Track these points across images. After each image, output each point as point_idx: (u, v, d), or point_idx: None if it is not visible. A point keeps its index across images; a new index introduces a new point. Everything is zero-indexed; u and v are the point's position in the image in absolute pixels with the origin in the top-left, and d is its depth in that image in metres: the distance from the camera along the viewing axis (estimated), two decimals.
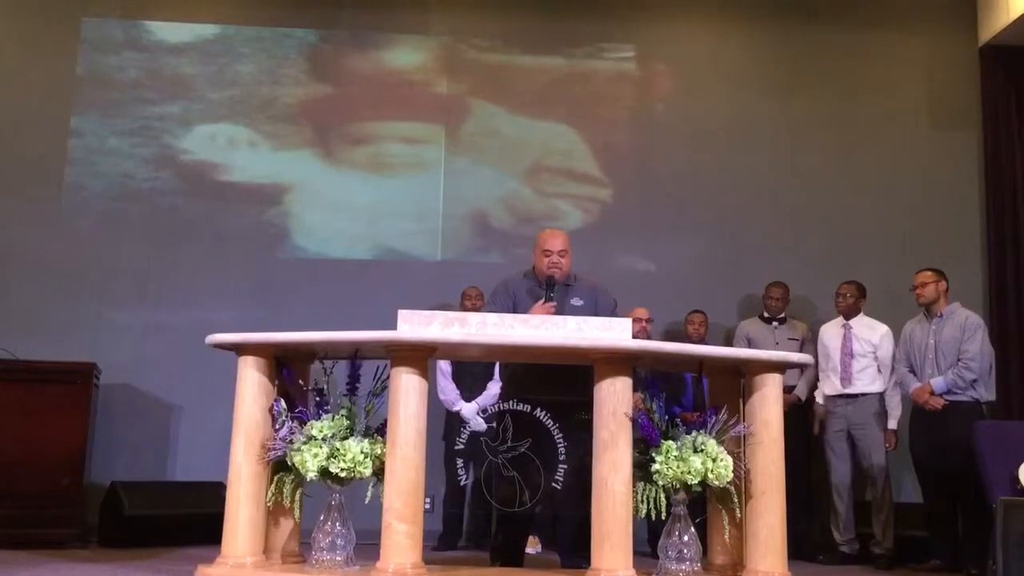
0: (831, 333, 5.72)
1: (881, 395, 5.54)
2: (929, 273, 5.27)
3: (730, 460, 3.57)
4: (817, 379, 5.73)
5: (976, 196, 6.72)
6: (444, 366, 5.55)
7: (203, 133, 6.58)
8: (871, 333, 5.61)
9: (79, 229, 6.32)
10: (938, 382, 5.08)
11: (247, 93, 6.65)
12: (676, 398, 3.72)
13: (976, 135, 6.77)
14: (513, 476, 3.93)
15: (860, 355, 5.57)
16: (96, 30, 6.61)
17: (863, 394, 5.52)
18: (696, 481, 3.52)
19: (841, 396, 5.56)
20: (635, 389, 3.56)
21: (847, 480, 5.54)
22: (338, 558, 3.65)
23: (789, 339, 5.87)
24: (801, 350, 5.68)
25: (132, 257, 6.30)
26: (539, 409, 3.77)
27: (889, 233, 6.58)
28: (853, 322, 5.67)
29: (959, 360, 5.07)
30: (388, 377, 3.58)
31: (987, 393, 5.11)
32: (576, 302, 4.24)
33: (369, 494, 3.58)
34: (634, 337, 3.64)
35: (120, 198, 6.43)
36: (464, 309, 5.68)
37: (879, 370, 5.55)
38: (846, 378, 5.55)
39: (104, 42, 6.60)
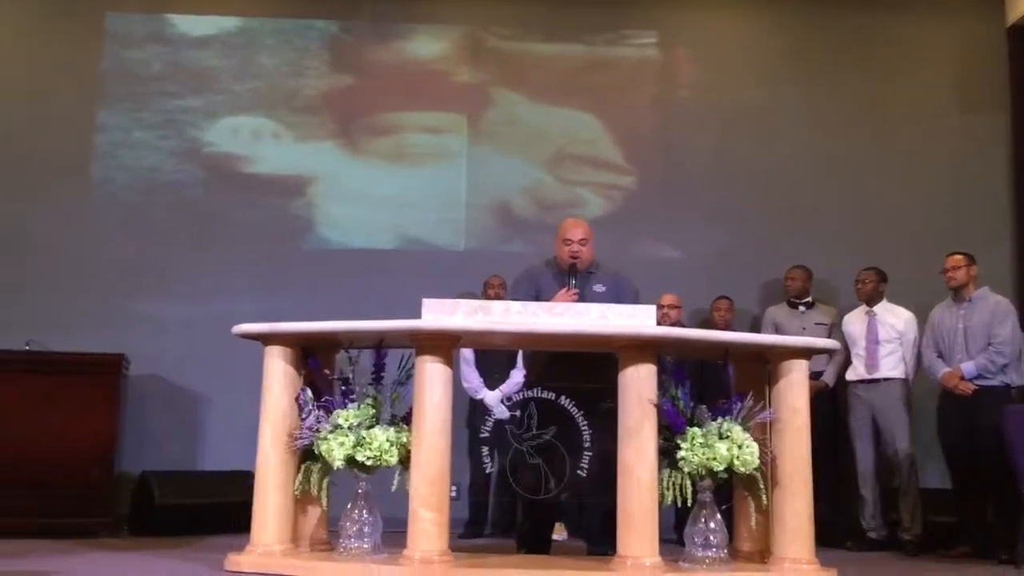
0: (855, 320, 5.68)
1: (904, 380, 5.50)
2: (960, 257, 5.21)
3: (756, 447, 3.56)
4: (848, 364, 5.69)
5: (1004, 179, 6.63)
6: (467, 354, 5.56)
7: (227, 126, 6.62)
8: (895, 319, 5.57)
9: (106, 223, 6.38)
10: (968, 367, 5.03)
11: (270, 85, 6.67)
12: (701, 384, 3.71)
13: (1004, 118, 6.67)
14: (538, 464, 3.94)
15: (886, 341, 5.53)
16: (120, 25, 6.65)
17: (886, 379, 5.48)
18: (722, 468, 3.51)
19: (864, 381, 5.53)
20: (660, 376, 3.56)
21: (872, 466, 5.51)
22: (365, 545, 3.67)
23: (816, 324, 5.82)
24: (830, 335, 5.64)
25: (159, 250, 6.35)
26: (563, 397, 3.78)
27: (916, 217, 6.51)
28: (877, 308, 5.62)
29: (989, 344, 5.02)
30: (413, 366, 3.60)
31: (1018, 378, 5.06)
32: (598, 288, 4.24)
33: (395, 482, 3.60)
34: (660, 323, 3.63)
35: (146, 192, 6.49)
36: (487, 298, 5.69)
37: (903, 356, 5.51)
38: (872, 364, 5.52)
39: (128, 37, 6.65)
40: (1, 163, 6.35)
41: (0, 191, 6.30)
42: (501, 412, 4.93)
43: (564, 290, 4.15)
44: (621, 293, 4.25)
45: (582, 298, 4.09)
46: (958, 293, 5.20)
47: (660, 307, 5.51)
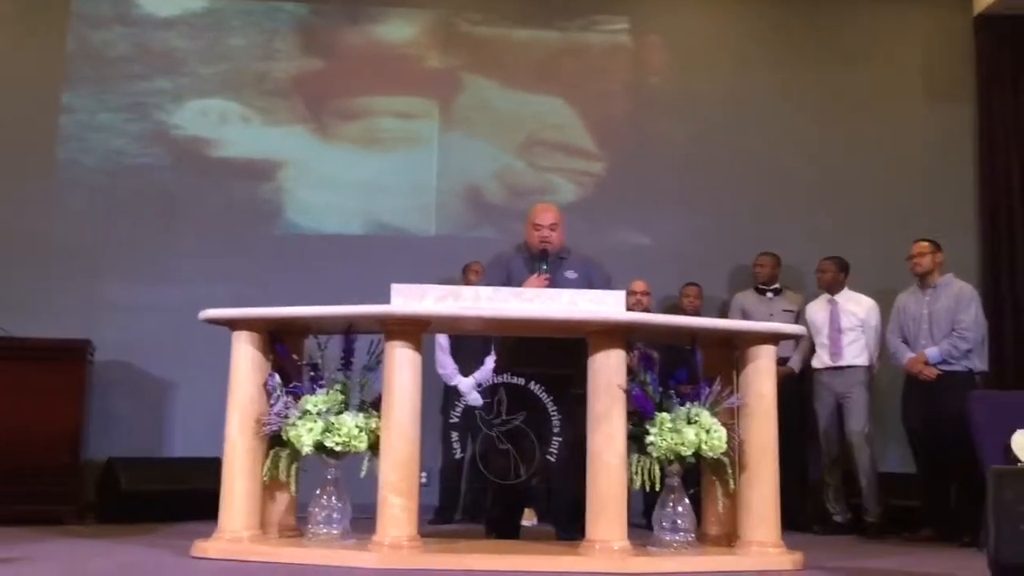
0: (817, 308, 5.74)
1: (868, 367, 5.58)
2: (926, 244, 5.28)
3: (724, 432, 3.59)
4: (812, 351, 5.74)
5: (971, 167, 6.71)
6: (443, 341, 5.55)
7: (195, 108, 6.53)
8: (857, 307, 5.64)
9: (71, 206, 6.29)
10: (932, 352, 5.10)
11: (238, 68, 6.59)
12: (672, 371, 3.73)
13: (971, 106, 6.75)
14: (508, 449, 3.96)
15: (848, 329, 5.59)
16: (86, 5, 6.53)
17: (851, 366, 5.55)
18: (690, 452, 3.54)
19: (828, 369, 5.60)
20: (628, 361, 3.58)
21: (836, 450, 5.58)
22: (335, 532, 3.67)
23: (784, 311, 5.87)
24: (796, 322, 5.69)
25: (125, 234, 6.27)
26: (533, 382, 3.78)
27: (883, 204, 6.57)
28: (839, 297, 5.69)
29: (953, 330, 5.09)
30: (382, 351, 3.59)
31: (980, 363, 5.14)
32: (570, 275, 4.25)
33: (365, 468, 3.59)
34: (631, 310, 3.65)
35: (112, 174, 6.39)
36: (468, 283, 5.68)
37: (867, 343, 5.58)
38: (836, 352, 5.58)
39: (94, 17, 6.53)
40: None
41: None
42: (475, 399, 4.93)
43: (535, 275, 4.15)
44: (593, 279, 4.26)
45: (553, 284, 4.09)
46: (923, 280, 5.27)
47: (632, 293, 5.53)
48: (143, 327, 6.07)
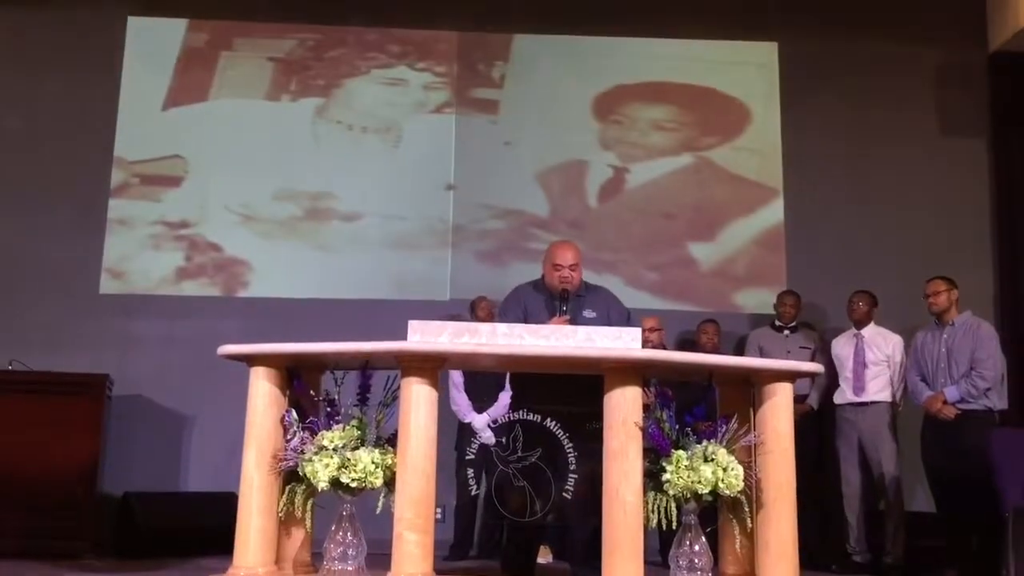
0: (843, 343, 5.71)
1: (891, 403, 5.53)
2: (941, 282, 5.26)
3: (741, 469, 3.56)
4: (833, 387, 5.70)
5: (986, 203, 6.70)
6: (456, 377, 5.55)
7: None
8: (884, 342, 5.60)
9: (92, 244, 6.36)
10: (951, 391, 5.06)
11: None
12: (689, 407, 3.72)
13: (986, 142, 6.75)
14: (523, 486, 3.93)
15: (873, 363, 5.56)
16: None
17: (874, 402, 5.50)
18: (707, 490, 3.51)
19: (852, 404, 5.55)
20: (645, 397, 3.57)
21: (858, 489, 5.52)
22: (349, 568, 3.65)
23: (801, 347, 5.85)
24: (813, 358, 5.67)
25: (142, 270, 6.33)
26: (549, 419, 3.77)
27: (899, 241, 6.56)
28: (865, 331, 5.66)
29: (972, 369, 5.06)
30: (398, 387, 3.59)
31: (1000, 401, 5.10)
32: (588, 314, 4.25)
33: (380, 504, 3.58)
34: (644, 346, 3.64)
35: None
36: (476, 319, 5.69)
37: (891, 379, 5.54)
38: (859, 387, 5.54)
39: None
40: None
41: None
42: (488, 437, 4.91)
43: (555, 317, 4.15)
44: (612, 316, 4.26)
45: (573, 323, 4.09)
46: (940, 318, 5.24)
47: (644, 330, 5.52)
48: (161, 362, 6.11)
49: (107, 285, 6.32)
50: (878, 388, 5.53)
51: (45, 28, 6.55)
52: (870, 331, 5.66)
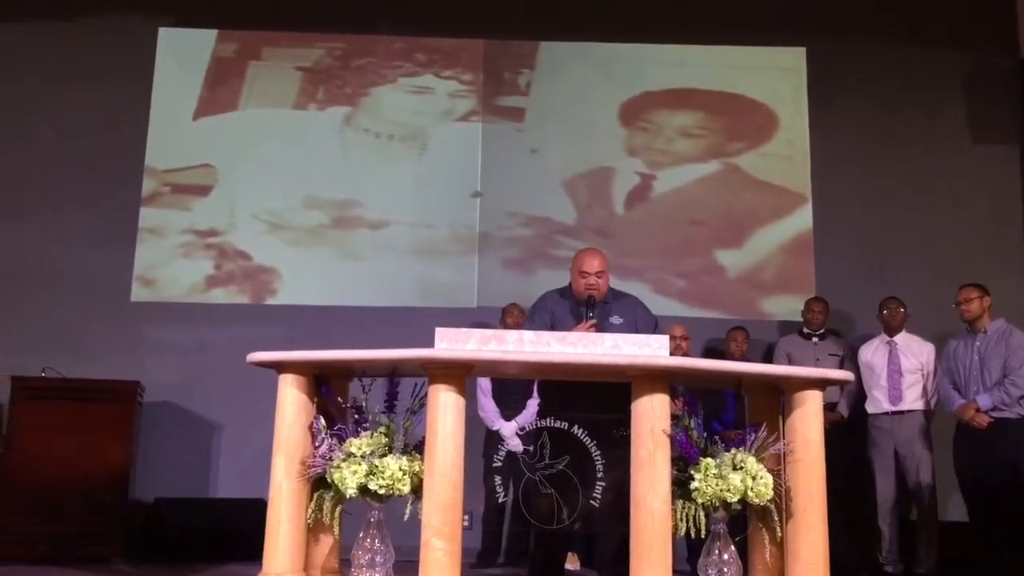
0: (873, 350, 5.64)
1: (926, 412, 5.46)
2: (973, 289, 5.20)
3: (770, 478, 3.53)
4: (861, 395, 5.64)
5: (1018, 210, 6.63)
6: (484, 384, 5.56)
7: None
8: (918, 349, 5.54)
9: (122, 252, 6.43)
10: (984, 399, 5.01)
11: None
12: (716, 415, 3.70)
13: (1017, 149, 6.68)
14: (551, 493, 3.93)
15: (909, 371, 5.49)
16: None
17: (910, 411, 5.44)
18: (735, 499, 3.48)
19: (886, 414, 5.49)
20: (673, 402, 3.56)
21: (891, 498, 5.46)
22: (377, 574, 3.66)
23: (830, 355, 5.80)
24: (841, 366, 5.62)
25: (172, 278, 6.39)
26: (576, 426, 3.77)
27: (928, 247, 6.50)
28: (898, 338, 5.60)
29: (1005, 376, 5.00)
30: (426, 395, 3.60)
31: None
32: (615, 320, 4.24)
33: (408, 511, 3.58)
34: (673, 354, 3.62)
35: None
36: (505, 326, 5.70)
37: (925, 387, 5.48)
38: (896, 396, 5.47)
39: None
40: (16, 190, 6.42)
41: (11, 219, 6.37)
42: (516, 445, 4.92)
43: (583, 323, 4.15)
44: (639, 324, 4.25)
45: (599, 330, 4.08)
46: (973, 325, 5.19)
47: (672, 338, 5.50)
48: (191, 369, 6.16)
49: (138, 293, 6.38)
50: (914, 397, 5.47)
51: (77, 40, 6.64)
52: (903, 338, 5.60)
